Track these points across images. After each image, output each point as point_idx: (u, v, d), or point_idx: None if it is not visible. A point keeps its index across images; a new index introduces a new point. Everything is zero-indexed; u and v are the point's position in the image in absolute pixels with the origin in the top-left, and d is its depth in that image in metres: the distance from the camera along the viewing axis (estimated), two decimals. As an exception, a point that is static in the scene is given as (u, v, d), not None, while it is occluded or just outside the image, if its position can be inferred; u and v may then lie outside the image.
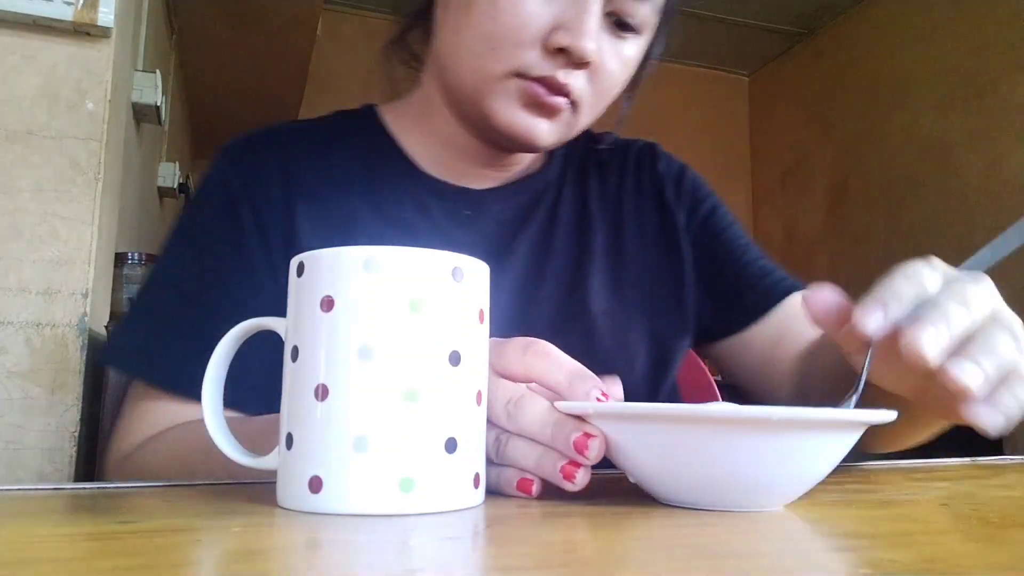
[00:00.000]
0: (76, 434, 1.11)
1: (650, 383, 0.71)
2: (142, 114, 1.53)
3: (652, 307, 0.72)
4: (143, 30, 1.57)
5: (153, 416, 0.61)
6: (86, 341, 1.12)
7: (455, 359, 0.36)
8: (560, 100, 0.61)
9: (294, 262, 0.38)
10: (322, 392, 0.34)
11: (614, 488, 0.45)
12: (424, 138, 0.71)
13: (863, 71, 3.09)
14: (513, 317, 0.66)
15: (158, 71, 1.50)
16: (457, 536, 0.31)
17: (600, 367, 0.42)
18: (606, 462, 0.40)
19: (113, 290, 1.35)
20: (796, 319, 0.73)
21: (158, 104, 1.49)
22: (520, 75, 0.60)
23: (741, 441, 0.34)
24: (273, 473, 0.37)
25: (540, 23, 0.59)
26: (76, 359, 1.12)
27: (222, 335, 0.60)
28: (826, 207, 3.31)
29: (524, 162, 0.74)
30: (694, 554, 0.28)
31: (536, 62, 0.59)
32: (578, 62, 0.59)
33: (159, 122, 1.61)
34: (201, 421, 0.59)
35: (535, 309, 0.68)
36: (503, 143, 0.66)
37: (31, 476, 1.09)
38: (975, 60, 2.62)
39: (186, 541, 0.29)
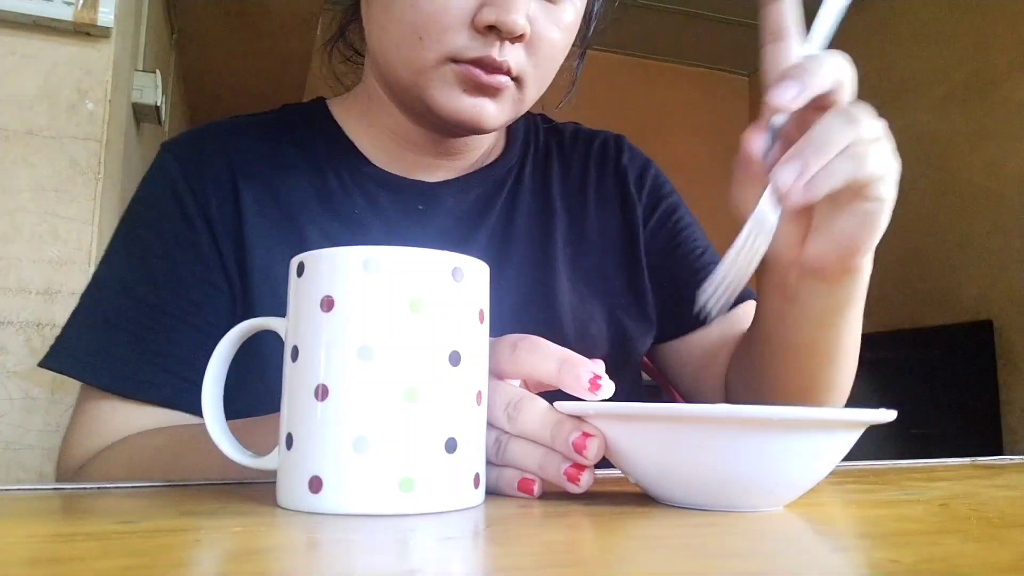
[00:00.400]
0: (76, 434, 1.11)
1: (612, 377, 0.70)
2: (142, 114, 1.53)
3: (613, 300, 0.71)
4: (143, 30, 1.57)
5: (107, 423, 0.59)
6: (86, 341, 1.12)
7: (455, 359, 0.36)
8: (500, 79, 0.59)
9: (294, 262, 0.37)
10: (322, 392, 0.34)
11: (614, 488, 0.45)
12: (373, 132, 0.69)
13: (863, 71, 3.07)
14: None
15: (158, 71, 1.50)
16: (457, 536, 0.31)
17: None
18: (606, 462, 0.40)
19: (113, 290, 1.35)
20: (741, 326, 0.72)
21: (158, 104, 1.49)
22: (453, 60, 0.58)
23: (741, 441, 0.34)
24: (272, 473, 0.37)
25: (464, 3, 0.57)
26: (76, 359, 1.12)
27: (176, 334, 0.60)
28: (826, 207, 3.30)
29: (479, 150, 0.71)
30: (694, 554, 0.28)
31: (467, 44, 0.57)
32: (509, 37, 0.57)
33: (159, 122, 1.61)
34: (164, 429, 0.58)
35: (496, 300, 0.66)
36: (451, 129, 0.65)
37: (31, 476, 1.09)
38: (975, 60, 2.62)
39: (186, 541, 0.29)
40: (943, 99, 2.72)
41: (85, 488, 0.43)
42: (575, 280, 0.70)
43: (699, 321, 0.73)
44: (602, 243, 0.73)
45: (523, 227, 0.70)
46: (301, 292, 0.37)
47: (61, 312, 1.13)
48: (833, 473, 0.38)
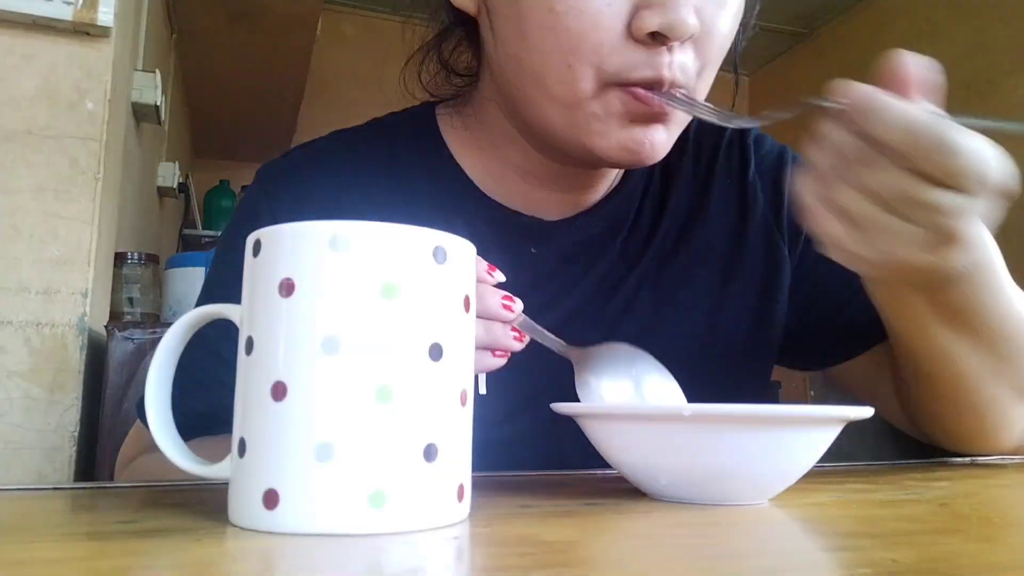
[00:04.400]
0: (76, 434, 1.11)
1: None
2: (142, 114, 1.53)
3: (734, 349, 0.62)
4: (143, 30, 1.57)
5: (143, 438, 0.62)
6: (86, 341, 1.12)
7: (436, 353, 0.31)
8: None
9: (250, 240, 0.33)
10: (280, 391, 0.30)
11: (614, 488, 0.45)
12: (492, 165, 0.60)
13: (863, 71, 3.08)
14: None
15: (158, 71, 1.50)
16: (455, 536, 0.31)
17: None
18: (606, 463, 0.40)
19: (113, 290, 1.35)
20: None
21: (158, 104, 1.49)
22: (614, 84, 0.48)
23: (723, 437, 0.35)
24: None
25: (615, 10, 0.47)
26: (76, 359, 1.12)
27: (207, 363, 0.54)
28: (826, 207, 3.31)
29: (611, 178, 0.62)
30: (694, 554, 0.28)
31: (629, 60, 0.47)
32: (679, 40, 0.47)
33: (159, 122, 1.61)
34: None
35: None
36: (602, 165, 0.56)
37: (31, 476, 1.09)
38: (975, 60, 2.62)
39: (186, 541, 0.29)
40: (943, 99, 2.71)
41: (85, 488, 0.43)
42: (691, 336, 0.61)
43: (853, 351, 0.65)
44: (728, 289, 0.63)
45: (638, 271, 0.62)
46: (257, 274, 0.32)
47: (61, 312, 1.13)
48: (833, 472, 0.38)
